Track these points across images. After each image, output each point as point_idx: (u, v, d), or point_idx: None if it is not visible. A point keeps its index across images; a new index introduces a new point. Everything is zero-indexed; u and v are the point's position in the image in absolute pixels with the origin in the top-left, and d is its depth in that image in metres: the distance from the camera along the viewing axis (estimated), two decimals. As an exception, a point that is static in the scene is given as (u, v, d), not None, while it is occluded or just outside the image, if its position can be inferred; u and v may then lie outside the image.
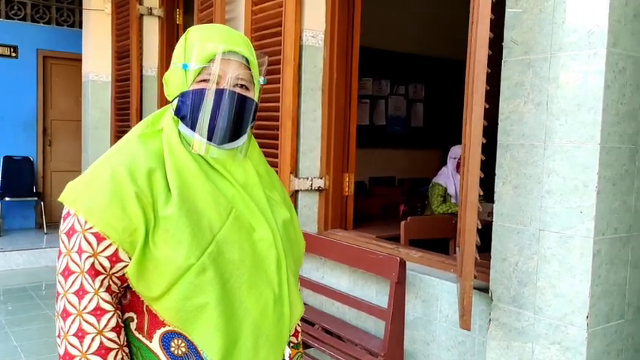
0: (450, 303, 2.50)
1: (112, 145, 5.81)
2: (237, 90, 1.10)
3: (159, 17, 5.25)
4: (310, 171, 3.37)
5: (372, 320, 2.88)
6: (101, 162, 1.09)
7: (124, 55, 5.41)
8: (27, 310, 4.51)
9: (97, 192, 1.02)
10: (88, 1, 5.87)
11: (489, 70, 1.79)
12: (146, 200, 1.02)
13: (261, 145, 3.40)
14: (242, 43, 1.12)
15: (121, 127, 5.53)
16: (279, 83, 3.26)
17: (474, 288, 2.04)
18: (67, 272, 1.02)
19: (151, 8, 5.20)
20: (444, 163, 4.45)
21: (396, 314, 2.62)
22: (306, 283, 3.13)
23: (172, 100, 1.14)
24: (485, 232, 2.00)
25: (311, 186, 3.33)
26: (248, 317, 1.08)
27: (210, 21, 3.83)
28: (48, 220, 6.93)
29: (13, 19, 6.68)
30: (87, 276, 1.01)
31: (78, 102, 6.46)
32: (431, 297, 2.59)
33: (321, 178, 3.37)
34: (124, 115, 5.44)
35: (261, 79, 1.16)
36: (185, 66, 1.10)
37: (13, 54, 6.73)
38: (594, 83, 1.71)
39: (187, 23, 5.08)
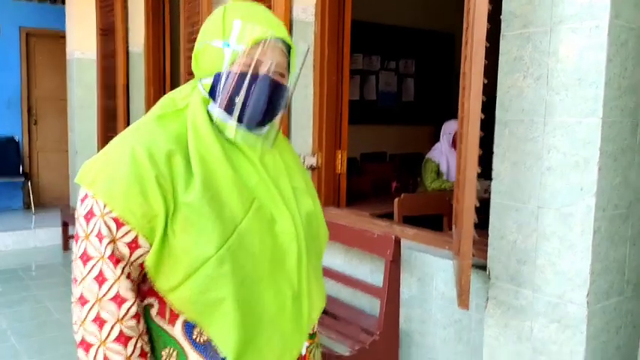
0: (445, 281, 2.48)
1: (99, 124, 5.71)
2: (275, 77, 1.07)
3: (144, -8, 5.11)
4: (302, 149, 3.32)
5: (367, 299, 2.87)
6: (119, 140, 1.04)
7: (109, 31, 5.28)
8: (17, 292, 4.47)
9: (115, 173, 0.98)
10: (70, -25, 5.70)
11: (487, 44, 1.73)
12: (166, 185, 0.97)
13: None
14: (283, 29, 1.09)
15: (107, 106, 5.42)
16: (270, 59, 3.17)
17: (472, 265, 2.02)
18: (85, 257, 0.98)
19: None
20: (436, 139, 4.40)
21: (391, 293, 2.61)
22: (299, 262, 3.10)
23: (202, 78, 1.10)
24: (481, 210, 1.97)
25: (303, 164, 3.28)
26: (265, 314, 1.04)
27: (197, -5, 3.72)
28: (36, 200, 6.84)
29: (-6, -5, 6.49)
30: (108, 262, 0.97)
31: (63, 80, 6.33)
32: (426, 275, 2.57)
33: (314, 156, 3.32)
34: (111, 93, 5.33)
35: (298, 69, 1.14)
36: (227, 45, 1.05)
37: (-5, 31, 6.56)
38: (596, 57, 1.66)
39: (173, -2, 4.95)
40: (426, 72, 6.73)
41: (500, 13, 1.92)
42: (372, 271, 2.88)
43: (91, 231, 0.98)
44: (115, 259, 0.97)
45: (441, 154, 4.23)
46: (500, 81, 1.91)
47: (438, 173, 4.23)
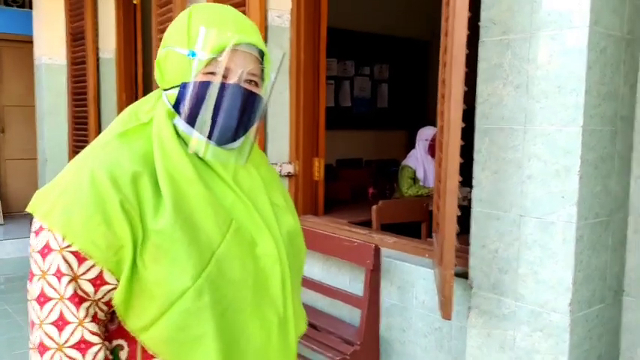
0: (425, 289, 2.46)
1: (69, 131, 5.56)
2: (247, 86, 0.96)
3: (114, -3, 5.00)
4: (279, 156, 3.27)
5: (346, 308, 2.83)
6: (76, 164, 0.92)
7: (79, 36, 5.15)
8: (-16, 307, 4.31)
9: (74, 201, 0.86)
10: (37, -21, 5.56)
11: (467, 52, 1.72)
12: (133, 211, 0.87)
13: (227, 131, 3.27)
14: (255, 33, 0.99)
15: (78, 113, 5.29)
16: (245, 66, 3.12)
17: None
18: (42, 299, 0.86)
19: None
20: (411, 144, 4.40)
21: (371, 302, 2.58)
22: (277, 271, 3.04)
23: (168, 89, 0.99)
24: (460, 216, 1.95)
25: (280, 172, 3.23)
26: (250, 346, 0.95)
27: (170, 1, 3.65)
28: (5, 210, 6.64)
29: (-43, -1, 6.29)
30: (68, 303, 0.86)
31: (31, 86, 6.16)
32: (406, 283, 2.55)
33: (291, 164, 3.28)
34: (81, 100, 5.20)
35: (273, 76, 1.03)
36: (192, 54, 0.95)
37: (-41, 37, 6.36)
38: (576, 64, 1.66)
39: (145, 3, 4.86)
40: (400, 78, 6.75)
41: (478, 20, 1.91)
42: (351, 280, 2.84)
43: (48, 268, 0.86)
44: (78, 299, 0.86)
45: (417, 160, 4.23)
46: (480, 88, 1.90)
47: (415, 180, 4.23)
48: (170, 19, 3.62)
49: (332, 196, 4.12)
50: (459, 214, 1.80)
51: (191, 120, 0.96)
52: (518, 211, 1.81)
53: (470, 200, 2.01)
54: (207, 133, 0.95)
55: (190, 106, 0.96)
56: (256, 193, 1.01)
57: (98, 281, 0.87)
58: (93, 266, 0.86)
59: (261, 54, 0.99)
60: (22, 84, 6.80)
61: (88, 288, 0.87)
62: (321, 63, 3.33)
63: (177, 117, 0.98)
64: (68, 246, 0.86)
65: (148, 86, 4.77)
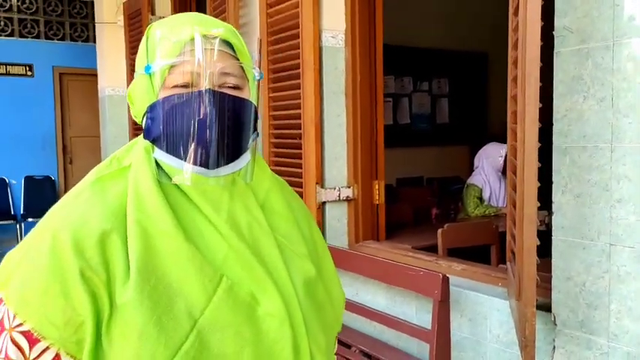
0: (500, 322, 2.26)
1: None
2: (227, 91, 0.78)
3: (171, 26, 5.09)
4: (337, 180, 3.16)
5: (414, 341, 2.65)
6: (43, 223, 0.78)
7: (139, 67, 5.27)
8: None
9: (32, 270, 0.72)
10: (100, 14, 5.76)
11: (541, 64, 1.55)
12: (97, 279, 0.71)
13: (283, 156, 3.20)
14: (222, 26, 0.81)
15: (139, 142, 5.39)
16: (300, 88, 3.05)
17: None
18: None
19: (162, 17, 5.04)
20: (473, 160, 4.19)
21: (441, 336, 2.39)
22: (339, 301, 2.91)
23: (142, 121, 0.83)
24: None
25: (339, 196, 3.11)
26: None
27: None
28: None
29: (27, 37, 6.61)
30: None
31: (96, 118, 6.36)
32: (478, 315, 2.36)
33: (349, 188, 3.15)
34: (141, 129, 5.30)
35: (257, 73, 0.84)
36: (148, 68, 0.78)
37: (29, 73, 6.67)
38: (670, 72, 1.46)
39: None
40: (460, 92, 6.55)
41: (551, 29, 1.74)
42: (417, 310, 2.67)
43: (2, 351, 0.72)
44: None
45: (482, 179, 4.01)
46: (557, 103, 1.72)
47: (481, 199, 4.01)
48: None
49: (393, 219, 3.96)
50: (538, 243, 1.62)
51: (166, 146, 0.78)
52: (607, 240, 1.61)
53: (547, 225, 1.83)
54: (191, 159, 0.77)
55: (162, 131, 0.78)
56: (259, 236, 0.82)
57: None
58: (47, 349, 0.71)
59: (234, 49, 0.81)
60: (87, 115, 7.05)
61: None
62: (378, 82, 3.21)
63: (156, 149, 0.80)
64: (19, 325, 0.71)
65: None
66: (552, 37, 1.73)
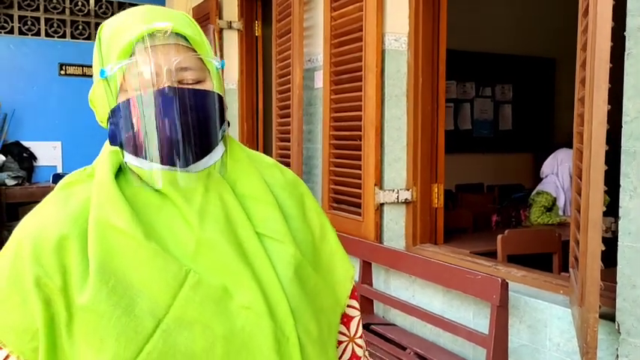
0: (561, 330, 2.21)
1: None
2: (187, 86, 0.76)
3: (238, 30, 5.24)
4: (396, 183, 3.17)
5: (470, 345, 2.63)
6: (15, 230, 0.79)
7: (205, 69, 5.44)
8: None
9: None
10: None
11: (611, 65, 1.52)
12: (52, 285, 0.70)
13: (343, 157, 3.25)
14: (173, 17, 0.77)
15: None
16: (362, 91, 3.09)
17: (594, 316, 1.76)
18: None
19: (230, 22, 5.21)
20: (537, 167, 4.08)
21: (498, 341, 2.36)
22: (395, 302, 2.92)
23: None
24: (603, 250, 1.72)
25: (397, 199, 3.12)
26: None
27: (289, 31, 3.72)
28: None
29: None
30: None
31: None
32: (538, 322, 2.31)
33: (408, 190, 3.16)
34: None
35: (216, 62, 0.80)
36: (102, 73, 0.76)
37: (103, 74, 7.00)
38: None
39: (266, 35, 5.04)
40: (525, 98, 6.40)
41: (622, 30, 1.70)
42: (475, 315, 2.64)
43: None
44: None
45: (557, 187, 3.87)
46: (626, 106, 1.68)
47: (551, 208, 3.88)
48: (289, 49, 3.70)
49: (452, 224, 3.92)
50: (603, 248, 1.58)
51: (133, 149, 0.76)
52: (677, 247, 1.56)
53: (614, 232, 1.78)
54: (159, 158, 0.74)
55: (125, 134, 0.76)
56: (236, 225, 0.78)
57: None
58: (8, 356, 0.72)
59: (188, 40, 0.78)
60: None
61: None
62: (440, 85, 3.20)
63: (125, 154, 0.79)
64: None
65: (268, 116, 4.91)
66: (623, 38, 1.69)
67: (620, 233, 1.71)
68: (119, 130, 0.76)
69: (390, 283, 3.15)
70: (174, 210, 0.77)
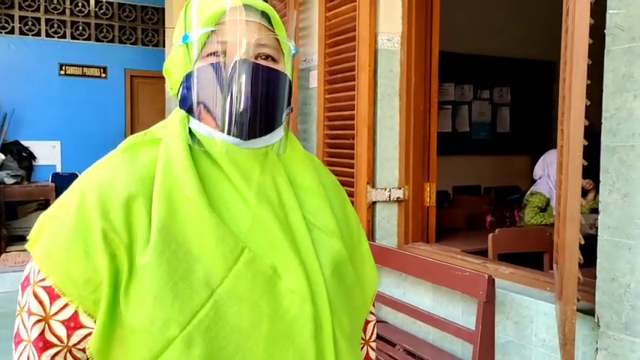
0: (546, 326, 2.23)
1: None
2: (262, 61, 0.78)
3: (236, 31, 5.27)
4: (388, 181, 3.19)
5: (458, 342, 2.65)
6: (75, 182, 0.79)
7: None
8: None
9: (58, 227, 0.73)
10: (170, 20, 6.04)
11: (590, 62, 1.55)
12: (119, 241, 0.71)
13: (335, 156, 3.28)
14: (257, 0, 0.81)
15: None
16: (354, 90, 3.12)
17: (577, 310, 1.78)
18: (17, 338, 0.74)
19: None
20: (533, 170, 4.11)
21: (484, 337, 2.38)
22: (386, 300, 2.94)
23: (177, 94, 0.83)
24: (587, 247, 1.74)
25: (389, 197, 3.15)
26: None
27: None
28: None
29: (102, 41, 7.01)
30: (32, 348, 0.72)
31: (162, 118, 6.65)
32: (524, 318, 2.33)
33: (400, 189, 3.18)
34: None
35: (292, 47, 0.83)
36: (185, 37, 0.78)
37: (103, 75, 7.05)
38: None
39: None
40: (523, 101, 6.43)
41: (603, 28, 1.73)
42: (463, 312, 2.66)
43: (25, 304, 0.74)
44: (43, 344, 0.71)
45: (550, 188, 3.90)
46: (606, 102, 1.71)
47: (545, 209, 3.90)
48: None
49: (446, 223, 3.95)
50: (582, 242, 1.61)
51: (203, 116, 0.79)
52: (654, 241, 1.58)
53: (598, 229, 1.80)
54: (226, 127, 0.76)
55: (196, 99, 0.78)
56: (288, 211, 0.81)
57: (72, 323, 0.72)
58: (66, 305, 0.71)
59: (270, 21, 0.81)
60: (154, 115, 7.37)
61: (60, 331, 0.72)
62: (433, 85, 3.23)
63: (191, 120, 0.81)
64: (42, 280, 0.72)
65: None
66: (604, 36, 1.72)
67: (599, 227, 1.73)
68: (190, 95, 0.78)
69: (381, 280, 3.18)
70: (230, 185, 0.78)
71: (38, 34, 6.60)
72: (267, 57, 0.79)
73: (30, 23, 6.54)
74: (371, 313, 0.98)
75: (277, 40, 0.81)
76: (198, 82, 0.77)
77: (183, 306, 0.69)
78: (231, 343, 0.71)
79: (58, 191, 5.90)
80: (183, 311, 0.69)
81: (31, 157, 6.48)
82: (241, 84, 0.75)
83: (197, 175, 0.76)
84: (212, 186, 0.77)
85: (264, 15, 0.80)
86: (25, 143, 6.46)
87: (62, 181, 6.59)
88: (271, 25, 0.81)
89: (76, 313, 0.71)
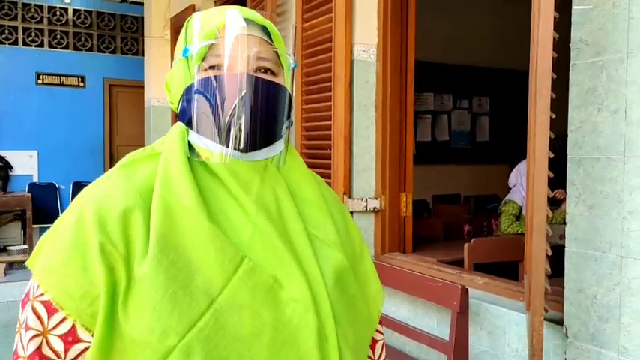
0: (519, 336, 2.24)
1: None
2: (261, 75, 0.79)
3: (215, 41, 5.27)
4: (365, 191, 3.20)
5: (434, 352, 2.65)
6: (75, 200, 0.80)
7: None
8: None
9: (57, 243, 0.74)
10: (149, 29, 6.02)
11: (555, 76, 1.57)
12: (116, 253, 0.72)
13: (312, 166, 3.28)
14: (256, 14, 0.82)
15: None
16: (331, 100, 3.13)
17: (547, 320, 1.80)
18: (15, 355, 0.74)
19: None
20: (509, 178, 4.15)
21: (458, 347, 2.39)
22: (362, 310, 2.94)
23: (177, 107, 0.84)
24: (557, 256, 1.76)
25: (366, 207, 3.15)
26: None
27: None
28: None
29: (81, 50, 6.96)
30: None
31: (142, 127, 6.63)
32: (497, 328, 2.34)
33: (377, 199, 3.19)
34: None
35: (292, 60, 0.84)
36: (186, 51, 0.79)
37: (81, 84, 7.00)
38: (683, 84, 1.46)
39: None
40: (502, 110, 6.50)
41: (568, 42, 1.76)
42: (438, 322, 2.67)
43: (24, 320, 0.74)
44: (39, 358, 0.71)
45: (523, 196, 3.94)
46: (571, 115, 1.73)
47: (518, 217, 3.94)
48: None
49: (424, 233, 3.96)
50: (550, 253, 1.62)
51: (199, 128, 0.79)
52: (618, 252, 1.60)
53: (567, 239, 1.82)
54: (224, 140, 0.77)
55: (196, 112, 0.78)
56: (287, 221, 0.80)
57: (70, 337, 0.72)
58: (64, 319, 0.72)
59: (270, 35, 0.82)
60: (134, 125, 7.34)
61: (58, 346, 0.72)
62: (409, 96, 3.25)
63: (190, 132, 0.81)
64: (41, 294, 0.73)
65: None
66: (569, 51, 1.75)
67: (566, 239, 1.75)
68: (190, 107, 0.79)
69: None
70: (230, 196, 0.78)
71: (15, 42, 6.53)
72: (266, 70, 0.80)
73: (7, 32, 6.48)
74: (379, 332, 0.97)
75: (277, 53, 0.82)
76: (198, 94, 0.78)
77: (182, 315, 0.69)
78: (232, 353, 0.71)
79: (35, 201, 5.83)
80: (182, 320, 0.69)
81: (8, 166, 6.40)
82: (241, 97, 0.76)
83: (196, 186, 0.76)
84: (211, 197, 0.77)
85: (264, 29, 0.81)
86: (1, 153, 6.38)
87: (39, 192, 6.51)
88: (271, 39, 0.82)
89: (73, 327, 0.72)
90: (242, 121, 0.76)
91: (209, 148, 0.78)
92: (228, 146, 0.77)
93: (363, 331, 0.87)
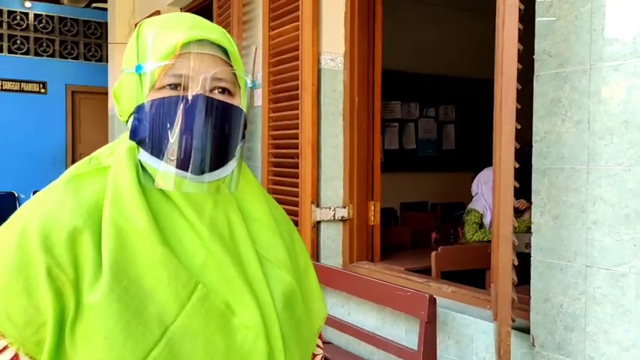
0: (486, 345, 2.25)
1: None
2: (218, 96, 0.77)
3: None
4: (333, 200, 3.18)
5: (402, 362, 2.64)
6: (15, 215, 0.74)
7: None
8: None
9: None
10: (113, 35, 5.91)
11: (520, 87, 1.59)
12: (64, 277, 0.67)
13: (280, 175, 3.24)
14: (216, 30, 0.79)
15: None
16: (298, 109, 3.10)
17: (514, 329, 1.81)
18: None
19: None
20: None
21: (426, 356, 2.38)
22: (331, 320, 2.91)
23: (127, 121, 0.81)
24: (523, 264, 1.77)
25: (334, 216, 3.14)
26: None
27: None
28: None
29: (42, 55, 6.78)
30: None
31: (106, 135, 6.48)
32: (465, 337, 2.35)
33: (345, 208, 3.18)
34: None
35: (249, 80, 0.82)
36: (139, 68, 0.76)
37: (42, 90, 6.82)
38: (643, 96, 1.49)
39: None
40: (468, 119, 6.59)
41: (532, 53, 1.77)
42: (407, 332, 2.66)
43: None
44: None
45: (484, 204, 4.00)
46: (536, 126, 1.75)
47: (481, 225, 4.00)
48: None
49: (392, 241, 3.96)
50: (516, 263, 1.63)
51: (152, 149, 0.76)
52: (583, 261, 1.62)
53: (532, 248, 1.83)
54: (175, 162, 0.74)
55: (147, 132, 0.75)
56: (239, 244, 0.80)
57: None
58: (6, 347, 0.67)
59: (228, 54, 0.79)
60: (97, 133, 7.18)
61: None
62: (376, 105, 3.26)
63: (140, 151, 0.78)
64: None
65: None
66: (533, 62, 1.77)
67: (532, 248, 1.76)
68: (142, 127, 0.76)
69: (326, 300, 3.14)
70: (182, 219, 0.76)
71: (-27, 47, 6.33)
72: (223, 90, 0.78)
73: (-36, 36, 6.27)
74: (318, 346, 0.98)
75: (234, 73, 0.80)
76: (151, 115, 0.75)
77: (136, 345, 0.67)
78: None
79: (-7, 212, 5.63)
80: (135, 351, 0.67)
81: (-36, 175, 6.18)
82: (195, 120, 0.74)
83: (148, 208, 0.73)
84: (164, 220, 0.75)
85: (221, 48, 0.79)
86: (-44, 161, 6.16)
87: (-2, 201, 6.30)
88: (228, 58, 0.79)
89: (16, 356, 0.68)
90: (195, 144, 0.74)
91: (160, 169, 0.75)
92: (180, 168, 0.75)
93: (307, 350, 0.89)
